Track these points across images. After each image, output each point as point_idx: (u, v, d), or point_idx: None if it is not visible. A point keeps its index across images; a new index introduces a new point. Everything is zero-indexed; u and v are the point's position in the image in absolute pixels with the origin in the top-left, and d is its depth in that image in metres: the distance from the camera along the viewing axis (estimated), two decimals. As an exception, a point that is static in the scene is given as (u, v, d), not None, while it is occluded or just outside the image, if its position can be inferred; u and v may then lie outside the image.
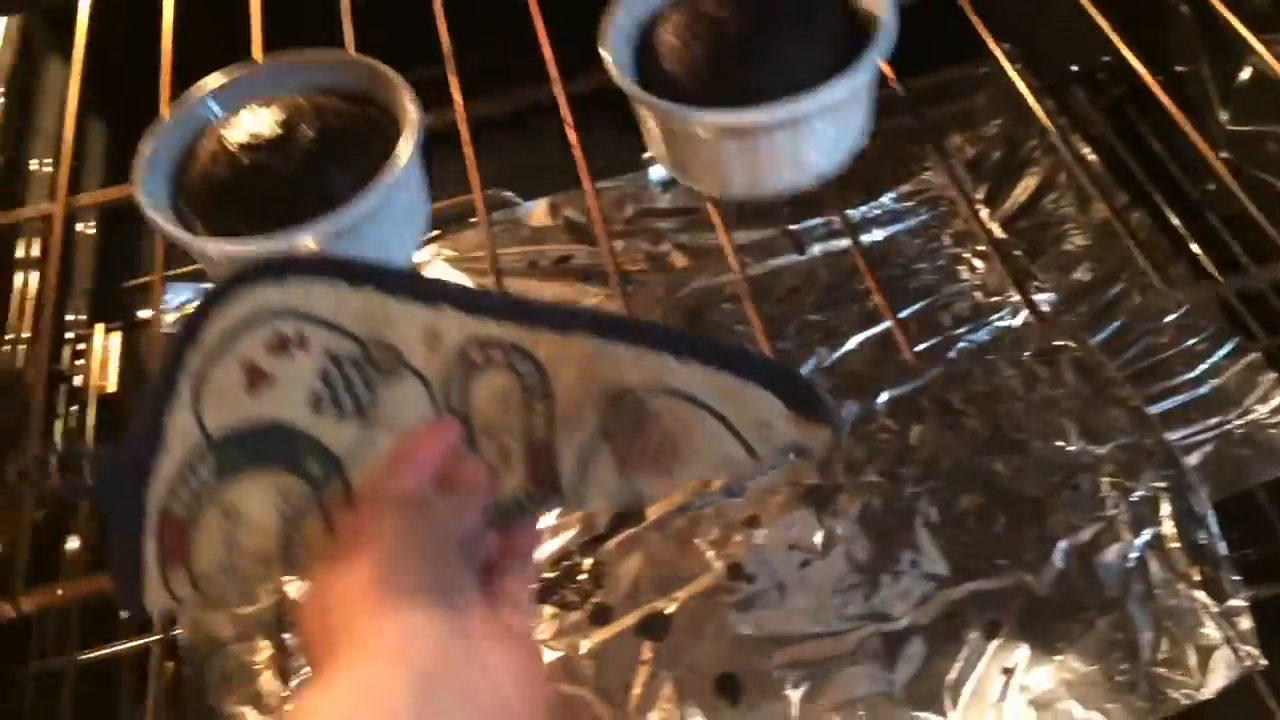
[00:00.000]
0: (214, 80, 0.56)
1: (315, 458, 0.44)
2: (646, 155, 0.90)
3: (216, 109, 0.55)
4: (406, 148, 0.51)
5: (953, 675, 0.63)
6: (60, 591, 0.51)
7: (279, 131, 0.52)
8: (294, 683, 0.69)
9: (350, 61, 0.57)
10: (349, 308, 0.44)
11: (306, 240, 0.48)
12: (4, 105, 0.83)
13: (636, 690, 0.66)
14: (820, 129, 0.52)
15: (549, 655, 0.67)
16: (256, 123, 0.52)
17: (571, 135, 0.60)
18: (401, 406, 0.44)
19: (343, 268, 0.44)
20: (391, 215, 0.52)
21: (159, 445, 0.43)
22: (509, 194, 0.92)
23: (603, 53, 0.54)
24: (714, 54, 0.52)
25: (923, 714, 0.63)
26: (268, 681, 0.69)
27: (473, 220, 0.88)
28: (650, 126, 0.55)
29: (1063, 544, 0.67)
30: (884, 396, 0.76)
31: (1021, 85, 0.63)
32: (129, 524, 0.43)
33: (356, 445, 0.44)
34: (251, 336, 0.43)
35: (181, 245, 0.50)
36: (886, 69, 0.59)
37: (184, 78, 0.63)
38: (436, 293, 0.44)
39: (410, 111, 0.53)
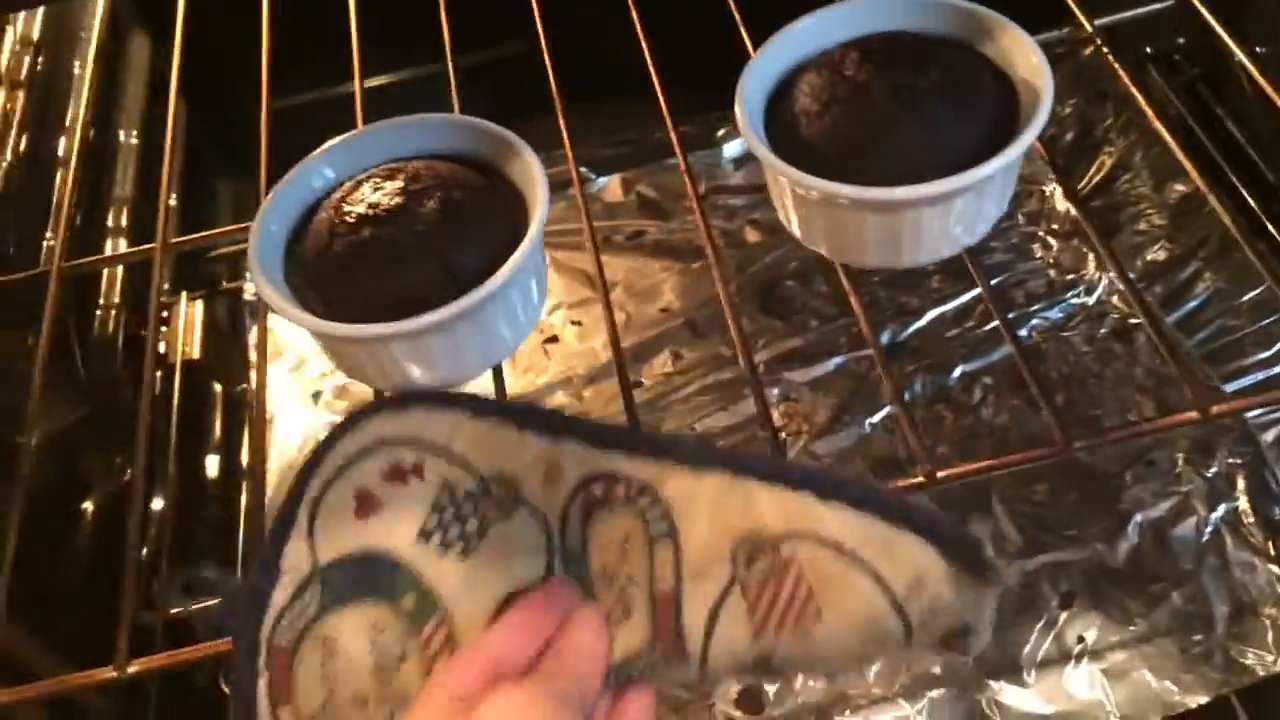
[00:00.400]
0: (326, 147, 0.52)
1: (414, 592, 0.41)
2: (720, 133, 0.92)
3: (330, 175, 0.52)
4: (537, 223, 0.47)
5: (1027, 644, 0.64)
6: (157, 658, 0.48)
7: (398, 202, 0.48)
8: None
9: (467, 125, 0.52)
10: (469, 436, 0.42)
11: (432, 320, 0.44)
12: (95, 79, 0.85)
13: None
14: (969, 205, 0.50)
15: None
16: (374, 193, 0.48)
17: (665, 111, 0.61)
18: (513, 543, 0.42)
19: (469, 400, 0.43)
20: (519, 290, 0.48)
21: (276, 575, 0.42)
22: (582, 169, 0.94)
23: (738, 111, 0.51)
24: (856, 122, 0.49)
25: (997, 683, 0.63)
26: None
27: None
28: (780, 188, 0.52)
29: (1137, 517, 0.68)
30: (957, 372, 0.76)
31: (1112, 62, 0.64)
32: (246, 659, 0.41)
33: (461, 584, 0.41)
34: (369, 463, 0.43)
35: (303, 326, 0.46)
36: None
37: (276, 62, 0.65)
38: (561, 424, 0.42)
39: (538, 182, 0.48)
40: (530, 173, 0.49)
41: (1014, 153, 0.48)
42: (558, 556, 0.42)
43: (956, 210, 0.50)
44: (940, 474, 0.47)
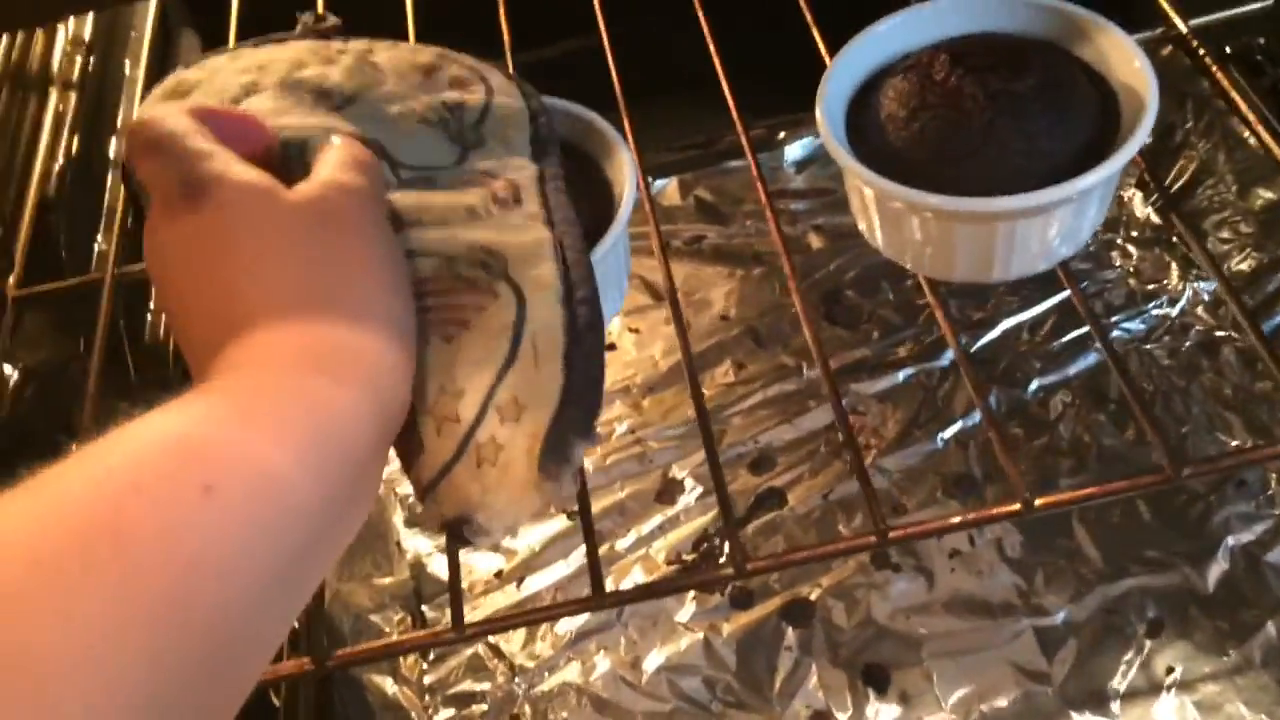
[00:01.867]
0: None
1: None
2: (780, 136, 0.89)
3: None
4: (624, 213, 0.46)
5: (1111, 673, 0.61)
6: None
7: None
8: (431, 656, 0.69)
9: (563, 112, 0.50)
10: None
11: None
12: (146, 79, 0.84)
13: (780, 676, 0.65)
14: (1069, 216, 0.47)
15: (690, 638, 0.67)
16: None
17: (734, 113, 0.59)
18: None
19: None
20: (603, 279, 0.46)
21: None
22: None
23: (819, 116, 0.49)
24: (948, 128, 0.47)
25: (1080, 714, 0.61)
26: (407, 654, 0.69)
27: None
28: (862, 198, 0.50)
29: (1229, 541, 0.65)
30: (1033, 385, 0.73)
31: (1205, 57, 0.61)
32: None
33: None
34: None
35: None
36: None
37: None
38: None
39: (627, 174, 0.47)
40: (620, 162, 0.48)
41: (1119, 161, 0.46)
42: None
43: (1056, 222, 0.48)
44: (1038, 502, 0.45)
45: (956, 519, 0.46)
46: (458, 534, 0.37)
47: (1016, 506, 0.45)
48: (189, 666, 0.23)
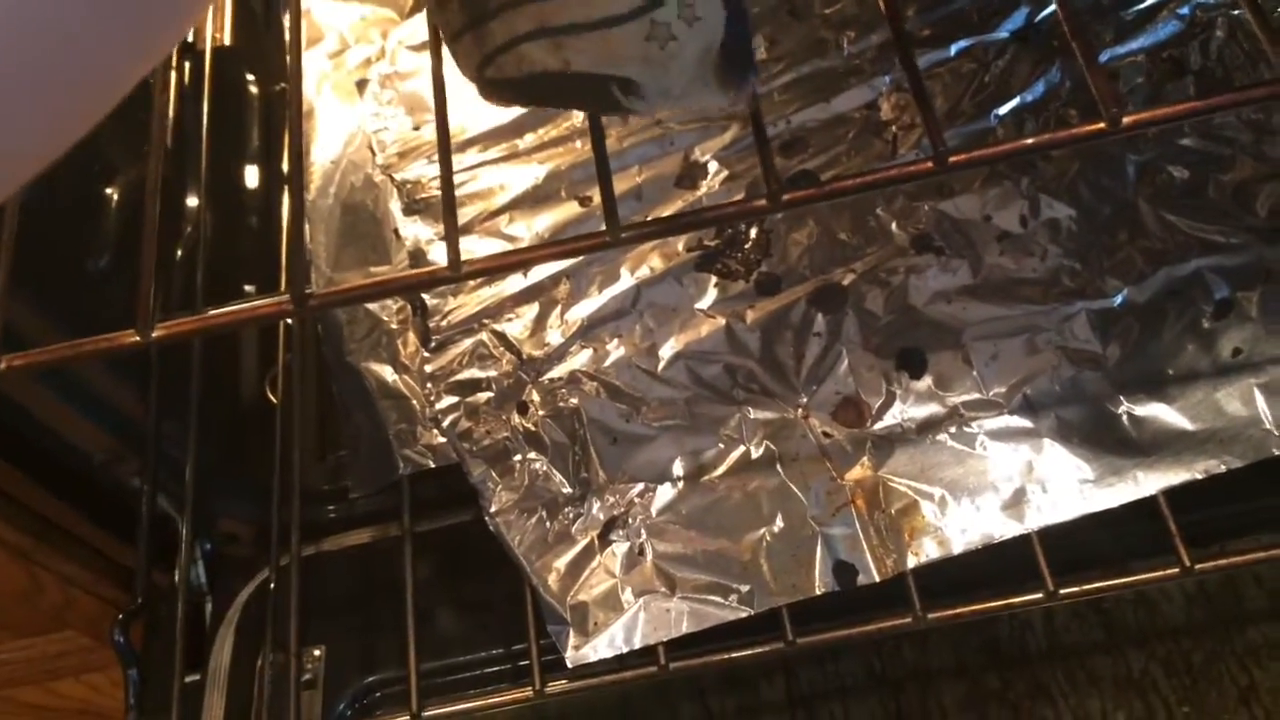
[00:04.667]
0: None
1: None
2: None
3: None
4: None
5: (1172, 356, 0.56)
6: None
7: None
8: (432, 344, 0.64)
9: None
10: None
11: None
12: None
13: (808, 362, 0.60)
14: None
15: (711, 325, 0.62)
16: None
17: None
18: None
19: None
20: None
21: None
22: None
23: None
24: None
25: (1133, 397, 0.56)
26: (406, 342, 0.65)
27: None
28: None
29: (1310, 220, 0.59)
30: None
31: None
32: None
33: None
34: None
35: None
36: None
37: None
38: None
39: None
40: None
41: None
42: None
43: None
44: (1126, 120, 0.38)
45: (1030, 140, 0.40)
46: (600, 93, 0.34)
47: (1101, 125, 0.38)
48: None
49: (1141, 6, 0.66)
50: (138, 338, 0.40)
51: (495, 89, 0.36)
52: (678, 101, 0.35)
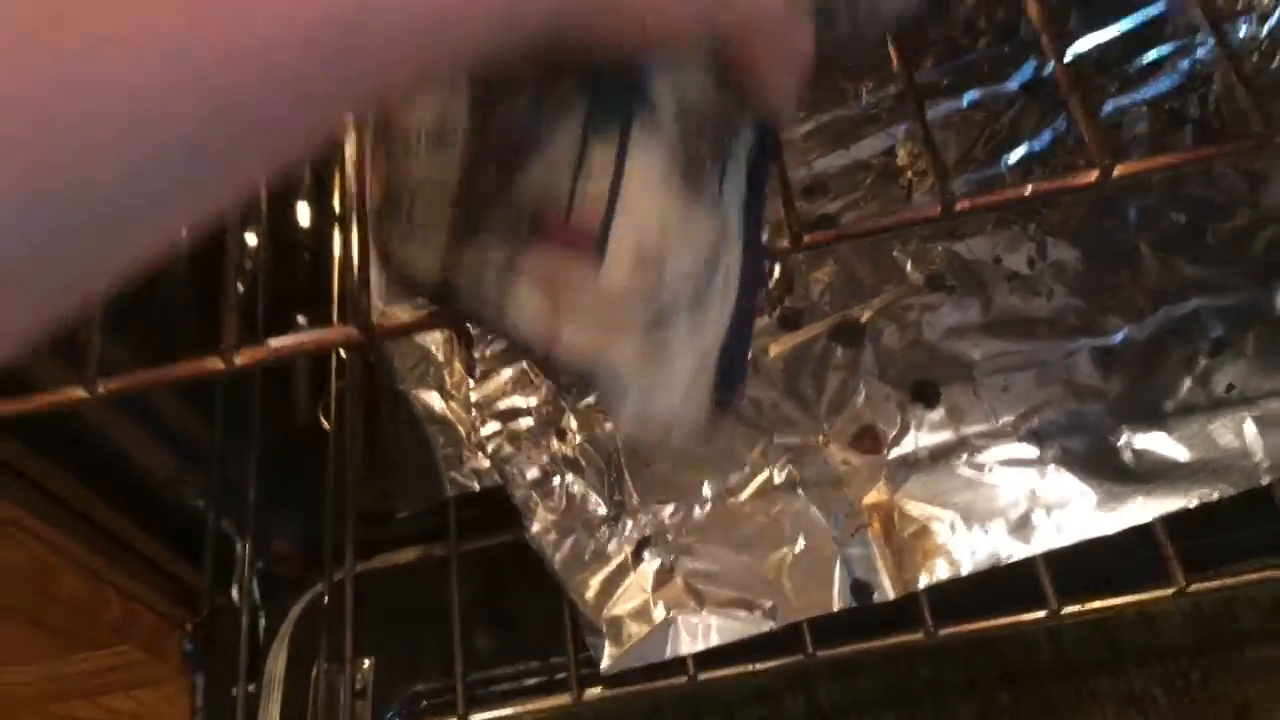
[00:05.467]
0: None
1: None
2: None
3: None
4: None
5: (1169, 390, 0.60)
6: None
7: None
8: (478, 374, 0.69)
9: None
10: None
11: None
12: None
13: (828, 394, 0.64)
14: None
15: (737, 357, 0.66)
16: None
17: None
18: None
19: None
20: None
21: None
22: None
23: None
24: None
25: (1133, 427, 0.60)
26: (453, 371, 0.69)
27: None
28: None
29: (1301, 264, 0.62)
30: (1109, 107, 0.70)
31: None
32: None
33: None
34: None
35: None
36: None
37: None
38: None
39: None
40: None
41: None
42: None
43: None
44: (1118, 171, 0.42)
45: (1029, 189, 0.44)
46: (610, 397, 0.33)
47: (1094, 175, 0.42)
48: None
49: (1145, 61, 0.71)
50: (222, 364, 0.45)
51: (436, 292, 0.34)
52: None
